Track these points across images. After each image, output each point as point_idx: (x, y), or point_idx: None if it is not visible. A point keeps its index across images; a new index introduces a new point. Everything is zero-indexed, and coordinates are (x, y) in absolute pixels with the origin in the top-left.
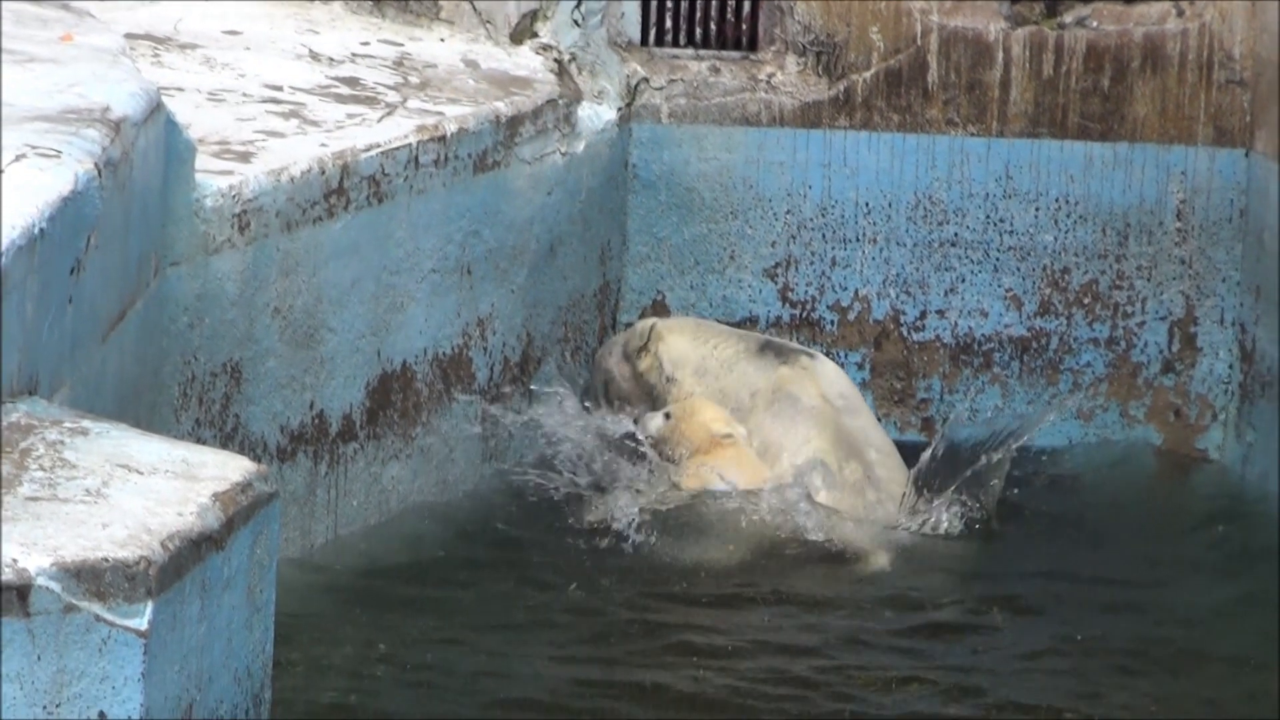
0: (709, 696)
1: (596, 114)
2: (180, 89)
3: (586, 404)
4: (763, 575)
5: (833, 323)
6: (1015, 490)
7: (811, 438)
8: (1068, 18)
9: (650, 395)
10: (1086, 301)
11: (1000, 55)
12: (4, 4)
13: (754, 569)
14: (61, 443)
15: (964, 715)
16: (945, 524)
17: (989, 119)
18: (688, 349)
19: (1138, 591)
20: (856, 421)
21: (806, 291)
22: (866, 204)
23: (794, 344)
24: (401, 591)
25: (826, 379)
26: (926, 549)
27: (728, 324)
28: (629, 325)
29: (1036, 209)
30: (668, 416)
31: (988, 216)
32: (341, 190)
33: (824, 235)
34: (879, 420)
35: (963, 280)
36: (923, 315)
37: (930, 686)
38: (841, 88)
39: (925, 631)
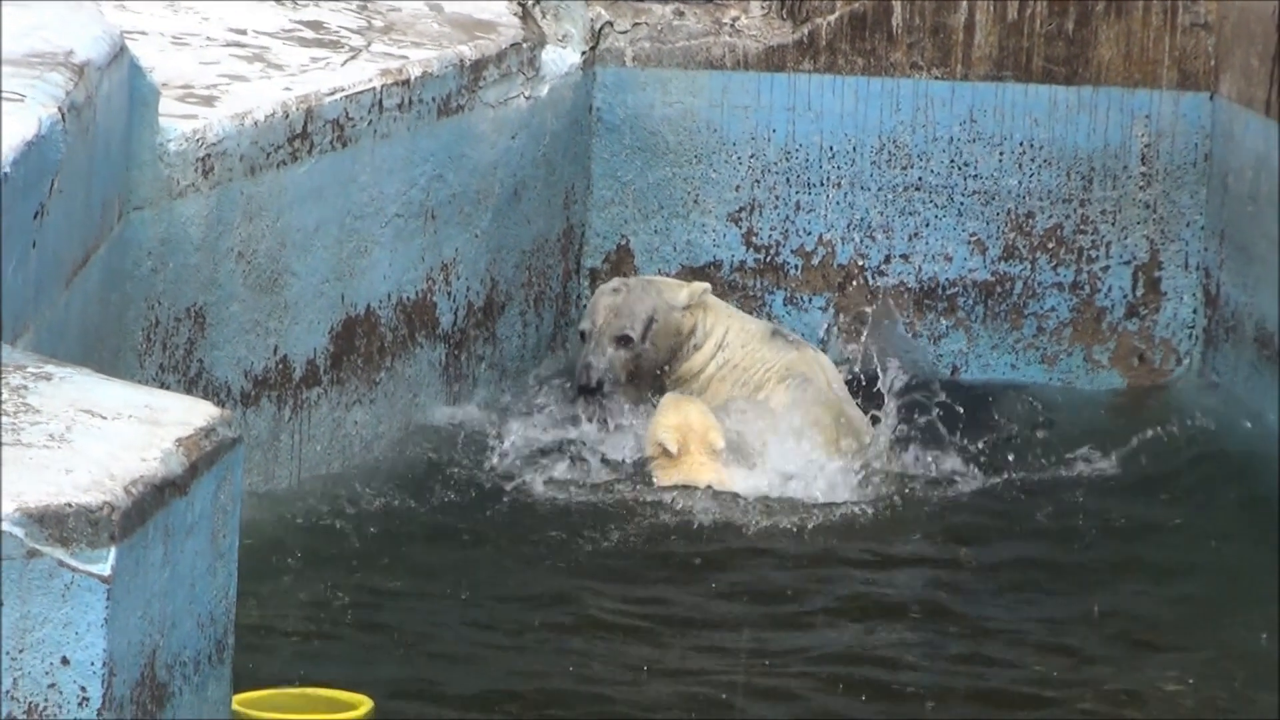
0: (662, 648)
1: (560, 57)
2: (144, 33)
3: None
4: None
5: (796, 267)
6: (986, 436)
7: (816, 412)
8: None
9: (674, 351)
10: (1050, 246)
11: None
12: None
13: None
14: (25, 387)
15: (930, 663)
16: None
17: (953, 62)
18: (715, 321)
19: (1103, 534)
20: (853, 411)
21: (770, 236)
22: (830, 148)
23: (796, 335)
24: (364, 537)
25: (831, 370)
26: (893, 496)
27: (692, 269)
28: (596, 270)
29: (1001, 153)
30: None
31: (952, 160)
32: (305, 134)
33: (788, 179)
34: (839, 366)
35: (927, 225)
36: (887, 260)
37: (895, 634)
38: (806, 31)
39: (893, 578)
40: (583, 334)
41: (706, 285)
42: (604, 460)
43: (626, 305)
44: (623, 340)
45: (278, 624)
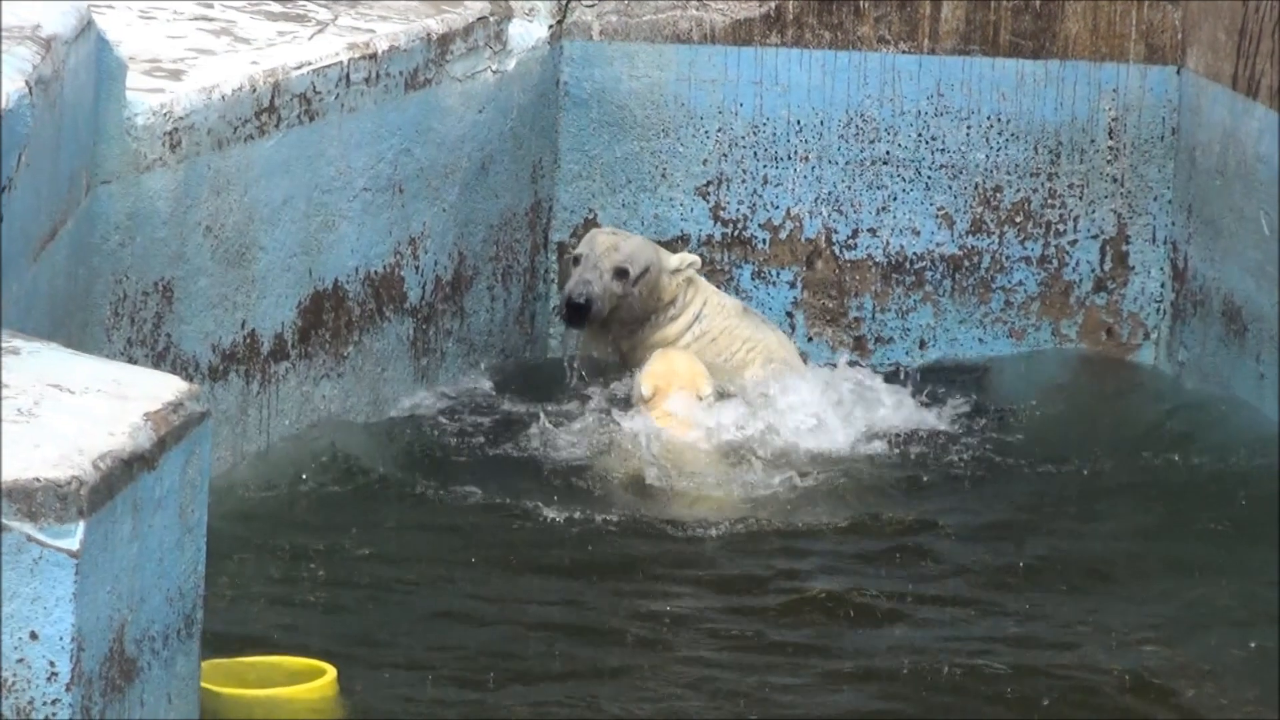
0: (631, 618)
1: (528, 31)
2: (111, 6)
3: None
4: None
5: (764, 241)
6: (956, 411)
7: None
8: None
9: (648, 315)
10: (1018, 220)
11: None
12: None
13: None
14: None
15: (906, 634)
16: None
17: (921, 36)
18: (695, 296)
19: (1073, 509)
20: None
21: (738, 210)
22: (798, 122)
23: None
24: (332, 512)
25: (794, 351)
26: (873, 472)
27: (660, 243)
28: (564, 244)
29: (968, 127)
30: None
31: (919, 134)
32: (273, 108)
33: (755, 153)
34: (810, 340)
35: (894, 198)
36: (854, 234)
37: (876, 604)
38: (773, 5)
39: (872, 553)
40: (576, 259)
41: (697, 259)
42: (576, 437)
43: (628, 245)
44: (620, 273)
45: (248, 598)
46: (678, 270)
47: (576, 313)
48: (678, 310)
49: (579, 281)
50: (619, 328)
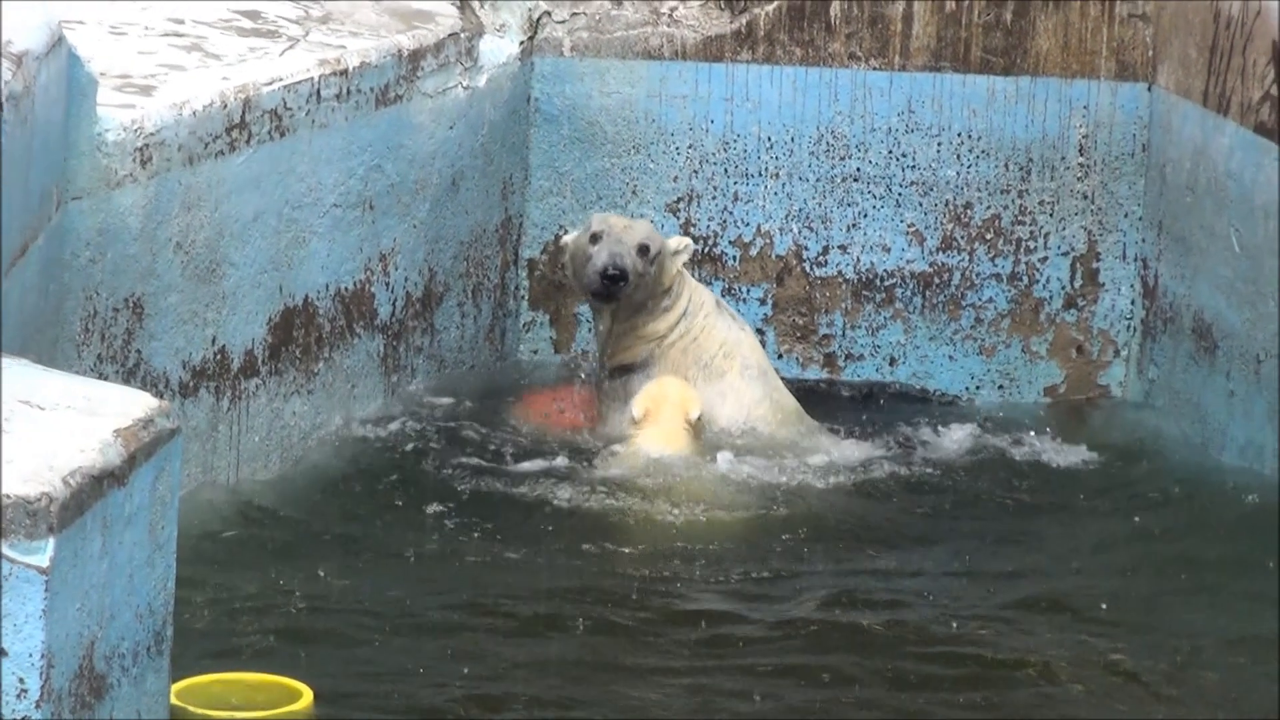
0: (609, 643)
1: (498, 47)
2: (82, 22)
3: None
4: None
5: (735, 258)
6: (927, 430)
7: (774, 404)
8: None
9: (646, 301)
10: (989, 237)
11: None
12: None
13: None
14: None
15: (871, 648)
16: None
17: (891, 53)
18: (683, 286)
19: (1048, 529)
20: (791, 401)
21: (709, 226)
22: (769, 138)
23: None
24: (305, 528)
25: (764, 353)
26: (848, 497)
27: None
28: (534, 260)
29: (939, 143)
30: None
31: (890, 151)
32: (243, 124)
33: (726, 170)
34: (780, 356)
35: (865, 215)
36: (825, 250)
37: (856, 626)
38: (744, 21)
39: (851, 580)
40: (594, 237)
41: (691, 243)
42: (557, 456)
43: (641, 225)
44: (643, 249)
45: (219, 615)
46: (677, 253)
47: (613, 283)
48: (670, 301)
49: (611, 254)
50: (622, 310)
